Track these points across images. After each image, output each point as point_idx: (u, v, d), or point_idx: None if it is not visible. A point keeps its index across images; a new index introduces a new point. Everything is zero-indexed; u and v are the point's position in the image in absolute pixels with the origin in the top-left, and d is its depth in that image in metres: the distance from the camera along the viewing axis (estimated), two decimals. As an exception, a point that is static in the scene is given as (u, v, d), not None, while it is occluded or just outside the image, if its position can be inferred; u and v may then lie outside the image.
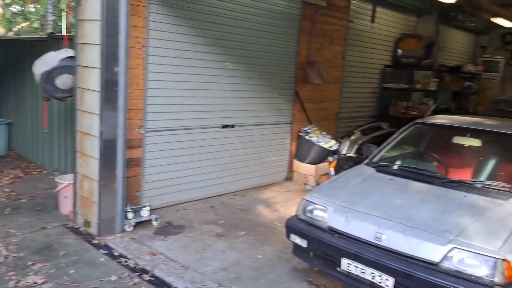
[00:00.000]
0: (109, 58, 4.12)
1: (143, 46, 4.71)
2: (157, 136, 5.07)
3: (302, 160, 6.80)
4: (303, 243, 3.45)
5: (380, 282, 2.98)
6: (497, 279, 2.65)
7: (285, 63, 6.55)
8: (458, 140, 4.25)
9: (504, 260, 2.67)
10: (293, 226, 3.56)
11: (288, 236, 3.61)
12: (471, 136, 4.15)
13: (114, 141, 4.27)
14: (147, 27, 4.71)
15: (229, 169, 6.01)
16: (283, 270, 3.96)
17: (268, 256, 4.23)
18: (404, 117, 8.17)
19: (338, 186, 3.77)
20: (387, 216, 3.18)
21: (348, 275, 3.20)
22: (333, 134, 7.58)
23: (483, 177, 3.84)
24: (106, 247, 4.14)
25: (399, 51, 8.40)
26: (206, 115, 5.56)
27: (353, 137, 7.33)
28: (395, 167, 4.06)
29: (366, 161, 4.31)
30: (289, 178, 6.96)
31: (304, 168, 6.75)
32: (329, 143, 6.73)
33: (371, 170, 4.04)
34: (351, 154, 6.97)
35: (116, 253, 4.02)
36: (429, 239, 2.91)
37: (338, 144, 6.90)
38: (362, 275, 3.07)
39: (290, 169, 6.97)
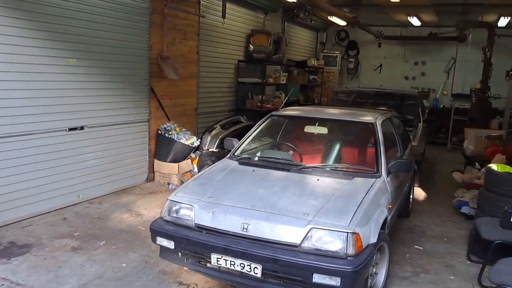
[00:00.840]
0: None
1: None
2: (-12, 145, 4.35)
3: (163, 159, 6.59)
4: (170, 244, 3.31)
5: (250, 271, 3.02)
6: (350, 250, 2.91)
7: (138, 59, 6.24)
8: (309, 129, 4.57)
9: (354, 233, 2.94)
10: (158, 228, 3.39)
11: (154, 240, 3.43)
12: (319, 125, 4.50)
13: None
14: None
15: (82, 176, 5.50)
16: (150, 275, 3.77)
17: (133, 263, 3.98)
18: (260, 110, 8.56)
19: (203, 182, 3.72)
20: (252, 207, 3.23)
21: (219, 269, 3.18)
22: (193, 130, 7.54)
23: (331, 161, 4.21)
24: None
25: (251, 46, 8.73)
26: (48, 117, 4.97)
27: (213, 132, 7.39)
28: (256, 158, 4.19)
29: (229, 155, 4.36)
30: (150, 179, 6.69)
31: (166, 167, 6.56)
32: (190, 140, 6.65)
33: (234, 164, 4.09)
34: (213, 149, 7.02)
35: None
36: (291, 223, 3.05)
37: (199, 140, 6.87)
38: (232, 267, 3.08)
39: (151, 170, 6.70)
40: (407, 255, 4.47)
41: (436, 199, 6.62)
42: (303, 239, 2.98)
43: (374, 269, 3.38)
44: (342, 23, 10.60)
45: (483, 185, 4.76)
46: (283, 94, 9.55)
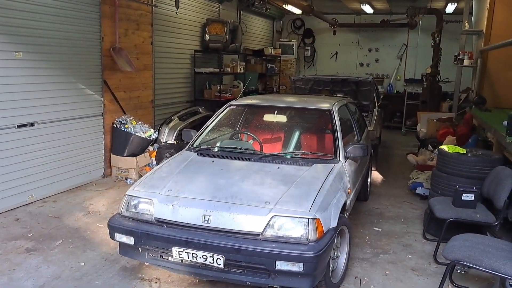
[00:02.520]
0: None
1: None
2: None
3: (120, 153, 6.41)
4: (129, 240, 3.23)
5: (212, 263, 3.00)
6: (311, 236, 2.95)
7: (89, 51, 6.00)
8: (268, 117, 4.57)
9: (314, 218, 2.98)
10: (117, 224, 3.30)
11: (112, 237, 3.33)
12: (278, 113, 4.51)
13: None
14: None
15: (34, 174, 5.26)
16: (110, 272, 3.66)
17: (92, 261, 3.86)
18: (219, 100, 8.50)
19: (162, 175, 3.64)
20: (212, 198, 3.20)
21: (182, 262, 3.13)
22: (150, 123, 7.38)
23: (291, 148, 4.24)
24: None
25: (207, 36, 8.60)
26: (-6, 114, 4.71)
27: (171, 124, 7.27)
28: (216, 149, 4.15)
29: (187, 146, 4.30)
30: (107, 175, 6.50)
31: (123, 162, 6.38)
32: (148, 132, 6.51)
33: (193, 155, 4.03)
34: (172, 141, 6.90)
35: None
36: (252, 212, 3.04)
37: (157, 132, 6.73)
38: (195, 260, 3.04)
39: (108, 165, 6.51)
40: (367, 237, 4.60)
41: (392, 181, 6.84)
42: (265, 228, 2.98)
43: (335, 253, 3.45)
44: (297, 11, 10.66)
45: (436, 166, 4.95)
46: (241, 83, 9.51)
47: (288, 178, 3.48)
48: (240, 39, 9.19)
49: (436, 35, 9.35)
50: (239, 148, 4.08)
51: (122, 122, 6.39)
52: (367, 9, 10.82)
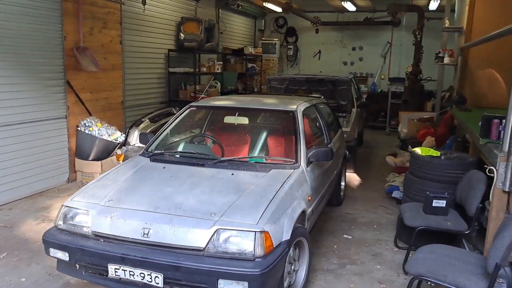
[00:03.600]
0: None
1: None
2: None
3: (85, 157, 6.11)
4: (65, 256, 2.96)
5: (151, 281, 2.73)
6: (258, 251, 2.68)
7: (50, 50, 5.71)
8: (229, 119, 4.31)
9: (262, 232, 2.72)
10: (51, 239, 3.02)
11: (47, 252, 3.06)
12: (240, 115, 4.25)
13: None
14: None
15: (-12, 180, 4.98)
16: (52, 290, 3.39)
17: (35, 276, 3.58)
18: (194, 101, 8.20)
19: (105, 184, 3.36)
20: (155, 209, 2.94)
21: (120, 280, 2.86)
22: (120, 125, 7.10)
23: (250, 152, 3.98)
24: None
25: (182, 35, 8.32)
26: None
27: (142, 126, 6.99)
28: (170, 153, 3.87)
29: (142, 151, 4.03)
30: (72, 180, 6.21)
31: (88, 166, 6.09)
32: (114, 135, 6.21)
33: (146, 161, 3.77)
34: (141, 144, 6.61)
35: None
36: (195, 225, 2.78)
37: (124, 135, 6.45)
38: (132, 278, 2.78)
39: (73, 169, 6.21)
40: (335, 246, 4.35)
41: (370, 184, 6.60)
42: (208, 242, 2.72)
43: (292, 266, 3.19)
44: (277, 9, 10.40)
45: (409, 169, 4.72)
46: (219, 84, 9.24)
47: (241, 186, 3.22)
48: (217, 38, 8.91)
49: (417, 33, 9.13)
50: (194, 153, 3.82)
51: (87, 124, 6.09)
52: (349, 6, 10.59)
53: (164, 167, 3.58)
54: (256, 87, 11.60)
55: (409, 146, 7.18)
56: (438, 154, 4.47)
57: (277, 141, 4.05)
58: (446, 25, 7.58)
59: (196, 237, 2.75)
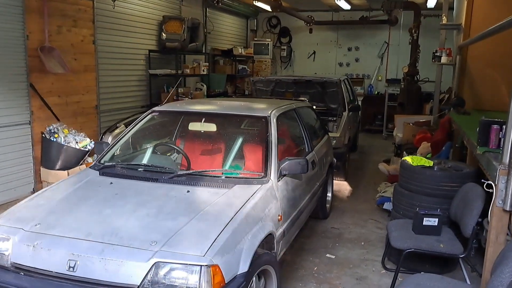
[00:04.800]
0: None
1: None
2: None
3: (51, 166, 5.64)
4: (-21, 292, 2.49)
5: (74, 327, 2.25)
6: (205, 289, 2.21)
7: (10, 51, 5.25)
8: (194, 126, 3.83)
9: (210, 266, 2.24)
10: (-35, 270, 2.55)
11: (-39, 285, 2.58)
12: (206, 121, 3.76)
13: None
14: None
15: None
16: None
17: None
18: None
19: (39, 203, 2.89)
20: (86, 236, 2.46)
21: (44, 322, 2.39)
22: (94, 130, 6.64)
23: (214, 165, 3.50)
24: None
25: (163, 34, 7.86)
26: None
27: (116, 131, 6.50)
28: (122, 166, 3.39)
29: (93, 162, 3.55)
30: (38, 190, 5.73)
31: (54, 176, 5.61)
32: (83, 143, 5.75)
33: (94, 174, 3.29)
34: (114, 151, 6.14)
35: None
36: (130, 257, 2.30)
37: (94, 142, 5.97)
38: (53, 322, 2.30)
39: (38, 180, 5.75)
40: (315, 268, 3.86)
41: (362, 194, 6.11)
42: (143, 279, 2.24)
43: (255, 300, 2.71)
44: (267, 7, 9.92)
45: (398, 181, 4.22)
46: (205, 86, 8.77)
47: (194, 206, 2.74)
48: (202, 38, 8.44)
49: (413, 31, 8.63)
50: (149, 166, 3.34)
51: (52, 131, 5.62)
52: (344, 4, 10.10)
53: (111, 183, 3.10)
54: (248, 89, 11.10)
55: (404, 153, 6.70)
56: (431, 164, 3.98)
57: (246, 152, 3.56)
58: (444, 22, 7.09)
59: (130, 271, 2.27)
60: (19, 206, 2.87)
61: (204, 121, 3.75)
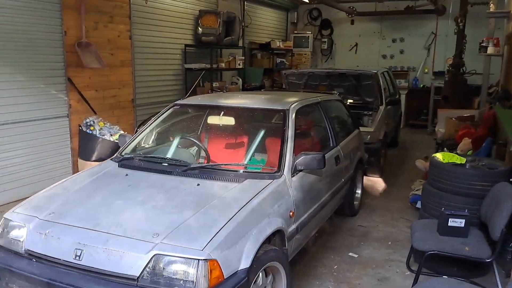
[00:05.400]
0: None
1: None
2: None
3: (87, 158, 5.86)
4: (-4, 276, 2.62)
5: (76, 315, 2.32)
6: (201, 284, 2.19)
7: (50, 46, 5.49)
8: (212, 120, 3.83)
9: (207, 260, 2.22)
10: (-15, 254, 2.70)
11: (-17, 268, 2.73)
12: (225, 115, 3.74)
13: None
14: None
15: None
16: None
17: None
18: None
19: (56, 193, 3.00)
20: (93, 226, 2.52)
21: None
22: (131, 124, 6.83)
23: (231, 158, 3.48)
24: None
25: (199, 29, 7.92)
26: None
27: (151, 125, 6.66)
28: (139, 158, 3.44)
29: (115, 154, 3.65)
30: (75, 181, 5.99)
31: (90, 167, 5.83)
32: (117, 135, 5.91)
33: (113, 166, 3.37)
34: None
35: None
36: (131, 248, 2.33)
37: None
38: (59, 308, 2.38)
39: (76, 170, 5.98)
40: (335, 266, 3.74)
41: (395, 191, 5.87)
42: (143, 270, 2.26)
43: (262, 297, 2.67)
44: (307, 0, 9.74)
45: (427, 179, 4.00)
46: (240, 80, 8.76)
47: (202, 200, 2.73)
48: (238, 31, 8.41)
49: (459, 20, 8.13)
50: (165, 158, 3.37)
51: (88, 124, 5.84)
52: (387, -6, 9.73)
53: (126, 174, 3.16)
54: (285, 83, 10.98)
55: (445, 149, 6.36)
56: (463, 161, 3.73)
57: (262, 146, 3.51)
58: (492, 9, 6.62)
59: (130, 262, 2.29)
60: (38, 195, 2.99)
61: (222, 115, 3.73)
